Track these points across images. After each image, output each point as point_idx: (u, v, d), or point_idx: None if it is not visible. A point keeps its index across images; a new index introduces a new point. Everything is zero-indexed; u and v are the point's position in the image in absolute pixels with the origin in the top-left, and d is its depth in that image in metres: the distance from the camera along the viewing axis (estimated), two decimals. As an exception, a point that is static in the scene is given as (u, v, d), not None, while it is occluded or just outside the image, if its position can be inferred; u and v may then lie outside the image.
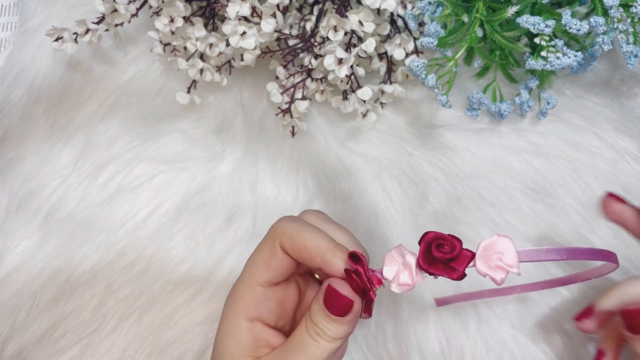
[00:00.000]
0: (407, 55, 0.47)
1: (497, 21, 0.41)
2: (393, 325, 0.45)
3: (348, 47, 0.46)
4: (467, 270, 0.30)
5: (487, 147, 0.49)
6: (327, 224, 0.35)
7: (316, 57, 0.46)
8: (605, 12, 0.41)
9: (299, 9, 0.48)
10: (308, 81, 0.48)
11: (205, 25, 0.47)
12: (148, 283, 0.46)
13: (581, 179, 0.47)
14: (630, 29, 0.41)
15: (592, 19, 0.40)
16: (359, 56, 0.47)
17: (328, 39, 0.44)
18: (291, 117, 0.48)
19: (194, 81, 0.49)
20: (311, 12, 0.47)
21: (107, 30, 0.49)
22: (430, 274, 0.30)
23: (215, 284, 0.46)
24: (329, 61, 0.44)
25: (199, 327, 0.45)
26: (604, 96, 0.50)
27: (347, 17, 0.44)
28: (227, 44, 0.45)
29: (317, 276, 0.37)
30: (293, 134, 0.50)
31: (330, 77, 0.46)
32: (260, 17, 0.43)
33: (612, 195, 0.40)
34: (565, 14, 0.40)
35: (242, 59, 0.47)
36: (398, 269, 0.31)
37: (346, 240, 0.34)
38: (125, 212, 0.48)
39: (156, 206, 0.48)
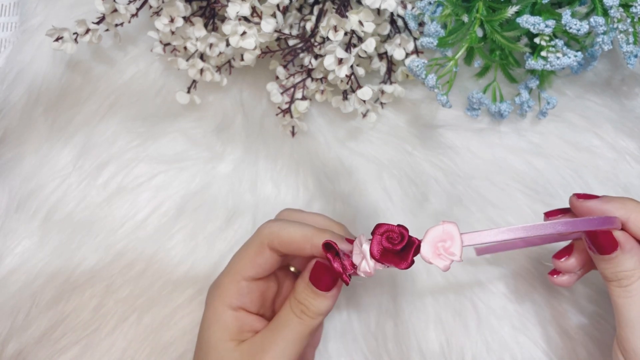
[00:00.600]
0: (407, 55, 0.47)
1: (497, 21, 0.41)
2: (393, 325, 0.45)
3: (348, 47, 0.46)
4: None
5: (487, 147, 0.49)
6: (304, 214, 0.40)
7: (316, 57, 0.46)
8: (605, 12, 0.41)
9: (299, 9, 0.48)
10: (308, 81, 0.48)
11: (205, 25, 0.47)
12: (148, 283, 0.46)
13: (581, 179, 0.47)
14: (630, 29, 0.41)
15: (592, 19, 0.40)
16: (359, 56, 0.47)
17: (328, 39, 0.44)
18: (291, 117, 0.48)
19: (194, 81, 0.49)
20: (311, 12, 0.47)
21: (107, 30, 0.48)
22: (382, 264, 0.32)
23: (215, 284, 0.46)
24: (329, 61, 0.44)
25: (199, 328, 0.45)
26: (604, 96, 0.50)
27: (347, 17, 0.44)
28: (227, 44, 0.45)
29: (292, 269, 0.41)
30: (293, 134, 0.50)
31: (330, 77, 0.46)
32: (260, 17, 0.43)
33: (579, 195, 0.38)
34: (565, 14, 0.40)
35: (242, 59, 0.47)
36: (361, 257, 0.33)
37: (326, 223, 0.39)
38: (125, 212, 0.48)
39: (156, 206, 0.48)
